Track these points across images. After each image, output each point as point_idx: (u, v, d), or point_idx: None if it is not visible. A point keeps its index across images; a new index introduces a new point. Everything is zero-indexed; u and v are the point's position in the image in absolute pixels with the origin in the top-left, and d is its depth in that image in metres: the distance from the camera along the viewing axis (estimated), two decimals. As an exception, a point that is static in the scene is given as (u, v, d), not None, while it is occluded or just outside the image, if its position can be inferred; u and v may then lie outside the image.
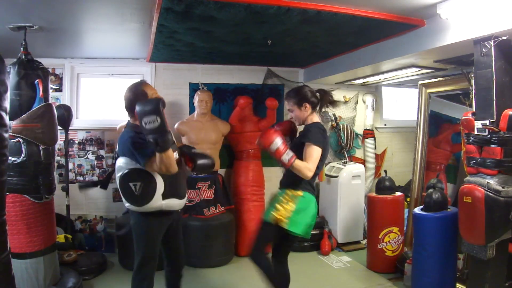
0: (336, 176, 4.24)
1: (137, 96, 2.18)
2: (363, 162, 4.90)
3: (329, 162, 4.53)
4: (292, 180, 2.38)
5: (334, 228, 4.29)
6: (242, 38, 3.11)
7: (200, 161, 2.32)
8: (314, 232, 3.63)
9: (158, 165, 2.02)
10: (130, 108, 2.23)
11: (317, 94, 2.52)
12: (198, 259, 3.68)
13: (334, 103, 2.59)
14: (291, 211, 2.31)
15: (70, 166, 3.97)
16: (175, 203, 2.28)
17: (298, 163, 2.26)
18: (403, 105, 5.40)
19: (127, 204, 2.24)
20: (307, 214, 2.37)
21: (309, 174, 2.27)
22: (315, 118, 2.51)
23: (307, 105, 2.45)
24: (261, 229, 2.44)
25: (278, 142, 2.25)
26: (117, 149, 2.29)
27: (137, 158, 2.08)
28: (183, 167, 2.39)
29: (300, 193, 2.36)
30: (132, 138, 2.14)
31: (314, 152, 2.30)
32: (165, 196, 2.19)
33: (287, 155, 2.25)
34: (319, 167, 2.39)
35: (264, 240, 2.45)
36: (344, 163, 4.44)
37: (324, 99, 2.53)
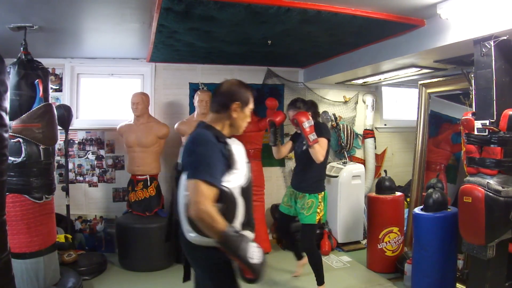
0: (336, 176, 4.24)
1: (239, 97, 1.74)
2: (363, 162, 4.90)
3: (329, 162, 4.52)
4: (318, 185, 3.01)
5: (334, 228, 4.29)
6: (242, 38, 3.10)
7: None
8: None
9: (190, 198, 1.52)
10: (223, 102, 1.74)
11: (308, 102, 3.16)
12: (198, 259, 3.66)
13: (318, 114, 3.23)
14: (323, 208, 2.99)
15: (70, 166, 3.97)
16: (250, 236, 1.65)
17: (317, 146, 2.82)
18: (403, 105, 5.39)
19: (193, 235, 1.62)
20: (326, 204, 3.06)
21: (321, 158, 2.86)
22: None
23: (311, 112, 3.00)
24: (310, 230, 2.99)
25: (311, 122, 2.80)
26: (180, 160, 1.71)
27: (189, 169, 1.58)
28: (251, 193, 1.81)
29: (323, 193, 3.01)
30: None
31: (325, 142, 2.91)
32: (243, 225, 1.67)
33: (313, 136, 2.79)
34: (326, 158, 2.98)
35: (314, 237, 3.11)
36: (344, 163, 4.45)
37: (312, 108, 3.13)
